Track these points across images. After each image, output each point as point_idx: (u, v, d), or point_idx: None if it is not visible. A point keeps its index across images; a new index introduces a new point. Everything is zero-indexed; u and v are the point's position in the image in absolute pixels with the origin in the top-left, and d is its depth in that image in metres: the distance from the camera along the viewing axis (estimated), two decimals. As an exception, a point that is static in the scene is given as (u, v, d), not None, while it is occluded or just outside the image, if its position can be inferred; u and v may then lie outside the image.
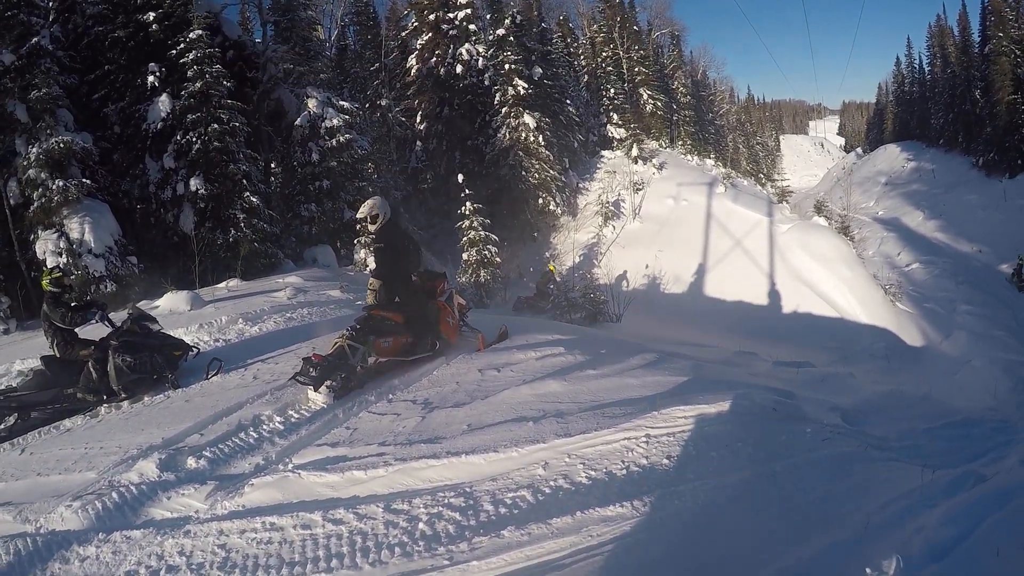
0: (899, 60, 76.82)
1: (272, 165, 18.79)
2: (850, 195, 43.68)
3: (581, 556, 3.62)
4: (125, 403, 6.59)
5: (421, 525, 4.03)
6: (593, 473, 4.45)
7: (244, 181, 15.09)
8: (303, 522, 4.20)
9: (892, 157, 59.69)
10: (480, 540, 3.85)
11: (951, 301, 24.51)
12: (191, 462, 4.99)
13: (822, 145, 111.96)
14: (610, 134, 33.60)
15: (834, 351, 16.83)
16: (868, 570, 3.19)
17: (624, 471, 4.47)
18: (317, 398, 6.15)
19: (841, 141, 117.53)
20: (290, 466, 4.89)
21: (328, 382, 6.24)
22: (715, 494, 4.26)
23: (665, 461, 4.60)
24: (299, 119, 17.61)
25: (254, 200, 15.04)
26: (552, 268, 20.05)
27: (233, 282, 12.34)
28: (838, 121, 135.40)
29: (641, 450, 4.70)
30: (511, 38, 25.94)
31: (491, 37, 26.79)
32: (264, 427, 5.59)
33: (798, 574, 3.42)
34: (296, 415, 5.88)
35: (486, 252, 20.11)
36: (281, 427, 5.63)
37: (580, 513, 4.01)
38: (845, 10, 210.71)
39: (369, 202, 7.35)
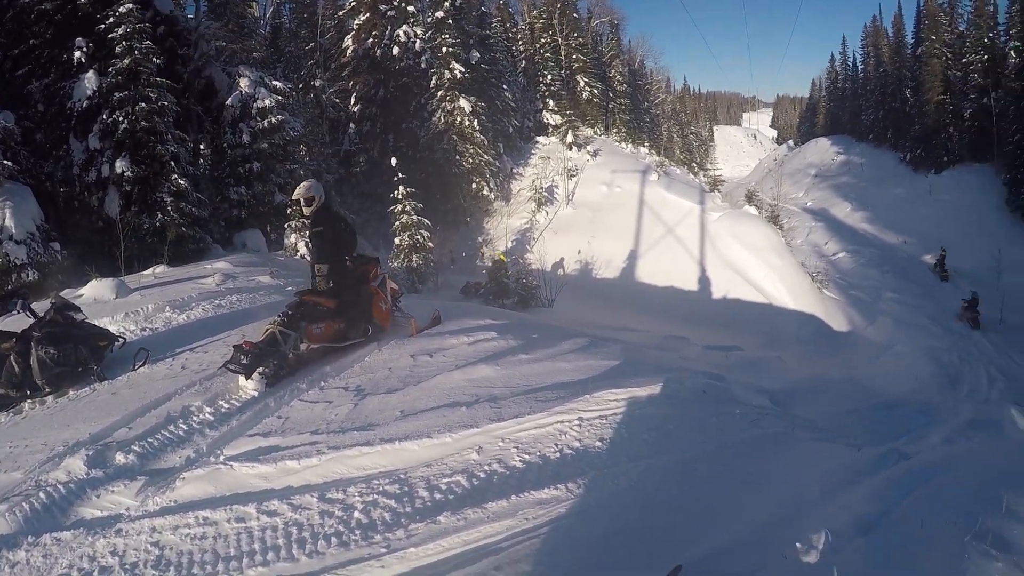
0: (834, 58, 79.19)
1: (201, 146, 18.21)
2: (780, 186, 45.02)
3: (517, 539, 3.69)
4: (49, 398, 6.32)
5: (357, 514, 4.01)
6: (527, 457, 4.51)
7: (172, 163, 14.56)
8: (237, 515, 4.13)
9: (823, 150, 61.44)
10: (416, 527, 3.87)
11: (876, 289, 25.43)
12: (120, 458, 4.82)
13: (755, 137, 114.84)
14: (546, 120, 33.71)
15: (763, 336, 17.38)
16: (798, 544, 3.26)
17: (558, 454, 4.55)
18: (248, 386, 6.03)
19: (773, 133, 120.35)
20: (222, 458, 4.79)
21: (260, 369, 6.11)
22: (648, 475, 4.37)
23: (598, 444, 4.69)
24: (230, 99, 17.15)
25: (182, 183, 14.55)
26: (503, 257, 20.04)
27: (160, 268, 11.86)
28: (771, 114, 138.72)
29: (574, 433, 4.79)
30: (450, 21, 25.89)
31: (429, 19, 26.49)
32: (194, 419, 5.45)
33: (730, 551, 3.49)
34: (226, 405, 5.74)
35: (419, 237, 19.89)
36: (211, 418, 5.49)
37: (515, 496, 4.07)
38: (783, 6, 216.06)
39: (304, 184, 7.24)
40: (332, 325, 7.02)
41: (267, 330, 6.49)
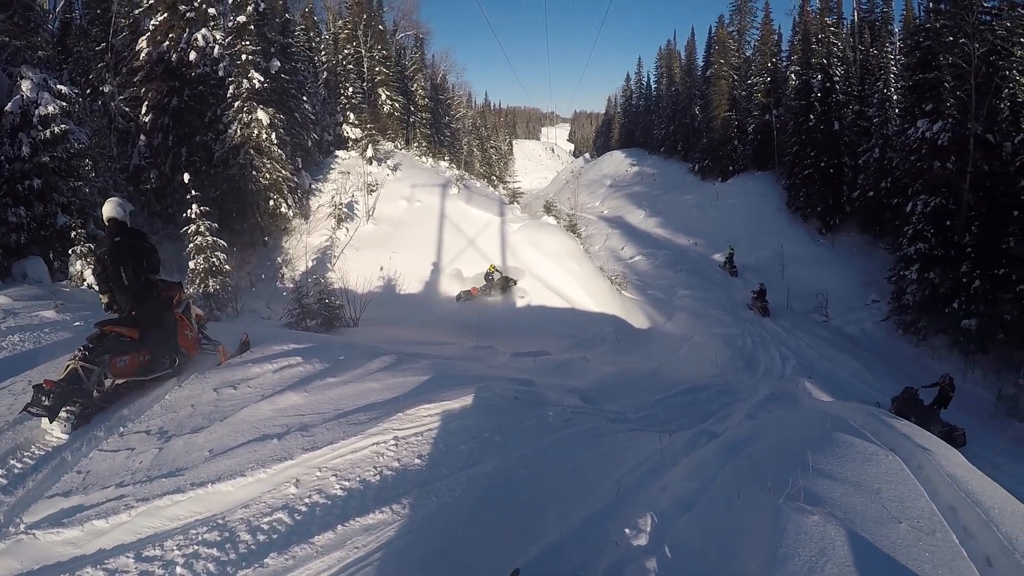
0: (629, 77, 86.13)
1: None
2: (577, 196, 47.19)
3: (351, 570, 3.75)
4: None
5: (179, 569, 3.86)
6: (347, 483, 4.56)
7: None
8: None
9: (617, 162, 65.32)
10: (244, 574, 3.79)
11: (672, 287, 27.88)
12: None
13: (553, 150, 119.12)
14: (346, 134, 33.51)
15: (568, 339, 18.30)
16: (627, 530, 3.54)
17: (378, 476, 4.64)
18: (54, 429, 5.71)
19: (571, 147, 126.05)
20: (22, 527, 4.40)
21: (66, 409, 5.80)
22: (471, 485, 4.57)
23: (417, 461, 4.85)
24: (10, 104, 15.27)
25: None
26: (492, 267, 21.63)
27: None
28: (569, 128, 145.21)
29: (391, 453, 4.92)
30: (252, 27, 24.96)
31: (231, 24, 25.32)
32: None
33: (563, 546, 3.73)
34: (19, 464, 5.23)
35: (214, 259, 18.91)
36: (3, 481, 5.00)
37: (341, 527, 4.11)
38: (583, 28, 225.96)
39: (114, 200, 6.95)
40: (137, 357, 6.77)
41: (68, 366, 6.17)
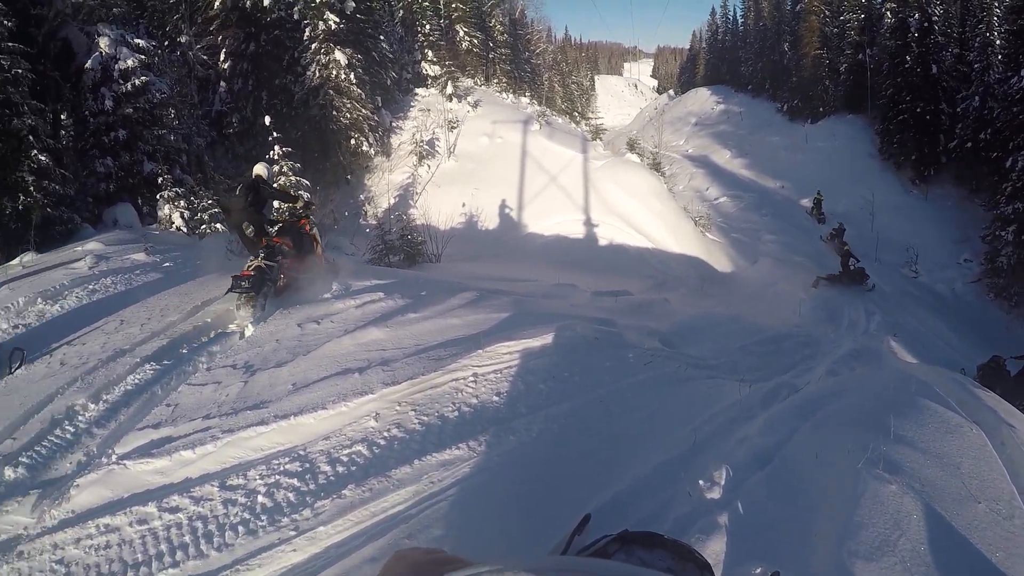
0: (714, 11, 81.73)
1: (62, 117, 16.66)
2: (661, 134, 45.73)
3: (425, 504, 3.72)
4: None
5: (260, 498, 3.95)
6: (425, 418, 4.55)
7: (31, 138, 13.27)
8: (139, 517, 3.98)
9: (702, 99, 62.43)
10: (323, 504, 3.87)
11: (756, 231, 26.87)
12: (8, 472, 4.58)
13: (636, 86, 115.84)
14: (425, 71, 32.86)
15: (649, 279, 17.73)
16: (701, 482, 3.45)
17: (456, 413, 4.60)
18: (244, 316, 7.05)
19: (654, 83, 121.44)
20: (114, 458, 4.64)
21: (262, 293, 7.31)
22: (548, 425, 4.47)
23: (495, 398, 4.78)
24: (89, 61, 15.76)
25: (43, 159, 13.31)
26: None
27: (28, 256, 11.03)
28: (652, 64, 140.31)
29: (470, 390, 4.87)
30: (324, -32, 24.69)
31: (302, -34, 25.21)
32: (80, 418, 5.26)
33: (635, 493, 3.62)
34: (112, 398, 5.53)
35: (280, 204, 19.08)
36: (97, 415, 5.31)
37: (418, 461, 4.10)
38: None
39: (264, 163, 9.15)
40: (293, 262, 8.36)
41: (252, 264, 7.53)
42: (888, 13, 39.41)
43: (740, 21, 70.41)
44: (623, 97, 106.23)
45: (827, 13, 45.32)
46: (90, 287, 8.48)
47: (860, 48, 40.27)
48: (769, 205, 31.85)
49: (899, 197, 31.17)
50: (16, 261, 10.89)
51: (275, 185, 9.85)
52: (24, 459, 4.76)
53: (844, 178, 32.96)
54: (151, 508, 4.05)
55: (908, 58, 33.04)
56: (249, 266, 7.51)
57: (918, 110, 32.18)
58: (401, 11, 36.42)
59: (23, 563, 3.77)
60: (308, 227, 9.23)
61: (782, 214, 30.43)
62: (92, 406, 5.44)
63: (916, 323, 18.26)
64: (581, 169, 24.47)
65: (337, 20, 24.38)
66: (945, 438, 3.65)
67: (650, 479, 3.77)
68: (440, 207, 22.75)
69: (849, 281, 19.91)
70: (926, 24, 32.80)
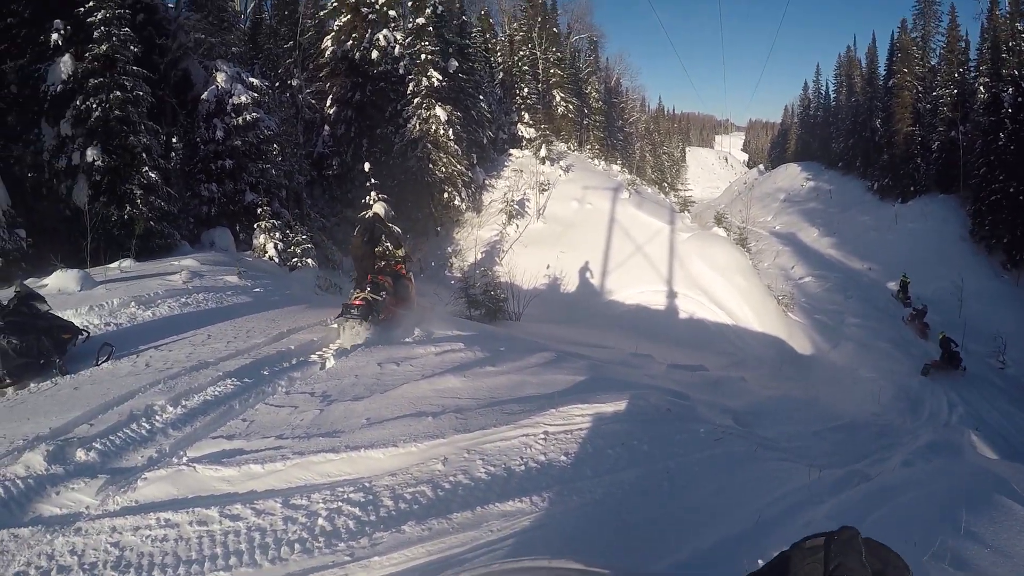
0: (807, 85, 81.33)
1: (174, 140, 17.85)
2: (750, 209, 45.45)
3: (481, 551, 3.64)
4: (10, 389, 6.15)
5: (321, 520, 3.95)
6: (492, 468, 4.49)
7: (144, 155, 14.20)
8: (199, 518, 4.03)
9: (792, 175, 62.22)
10: (381, 535, 3.82)
11: (840, 313, 25.84)
12: (81, 454, 4.71)
13: (726, 159, 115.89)
14: (520, 133, 33.59)
15: (727, 356, 17.36)
16: (760, 561, 3.22)
17: (523, 467, 4.53)
18: (361, 331, 7.84)
19: (745, 157, 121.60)
20: (184, 459, 4.72)
21: (370, 317, 7.96)
22: (612, 490, 4.35)
23: (563, 458, 4.68)
24: (206, 93, 16.87)
25: (153, 176, 14.19)
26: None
27: (127, 262, 11.66)
28: (743, 138, 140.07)
29: (539, 446, 4.79)
30: (430, 28, 25.71)
31: (410, 25, 26.30)
32: (157, 418, 5.38)
33: (693, 567, 3.48)
34: (191, 405, 5.68)
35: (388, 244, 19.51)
36: (174, 418, 5.44)
37: (480, 508, 4.04)
38: (760, 34, 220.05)
39: (383, 203, 9.89)
40: (393, 300, 8.94)
41: (360, 296, 8.17)
42: (981, 88, 38.26)
43: (832, 96, 70.26)
44: (713, 170, 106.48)
45: (919, 88, 44.37)
46: (182, 300, 8.81)
47: (952, 125, 39.20)
48: (855, 287, 30.90)
49: (989, 282, 29.50)
50: (115, 265, 11.44)
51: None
52: (98, 445, 4.89)
53: (933, 260, 31.63)
54: (213, 512, 4.07)
55: (1002, 135, 31.66)
56: (357, 296, 8.15)
57: (1011, 189, 30.49)
58: (501, 73, 37.52)
59: (79, 539, 3.87)
60: (405, 271, 9.85)
61: (868, 297, 29.43)
62: (171, 408, 5.55)
63: (1000, 417, 17.08)
64: (667, 240, 24.27)
65: (440, 78, 25.18)
66: (1019, 537, 3.39)
67: (709, 553, 3.65)
68: (525, 266, 22.82)
69: (946, 365, 19.18)
70: (1020, 99, 31.27)
